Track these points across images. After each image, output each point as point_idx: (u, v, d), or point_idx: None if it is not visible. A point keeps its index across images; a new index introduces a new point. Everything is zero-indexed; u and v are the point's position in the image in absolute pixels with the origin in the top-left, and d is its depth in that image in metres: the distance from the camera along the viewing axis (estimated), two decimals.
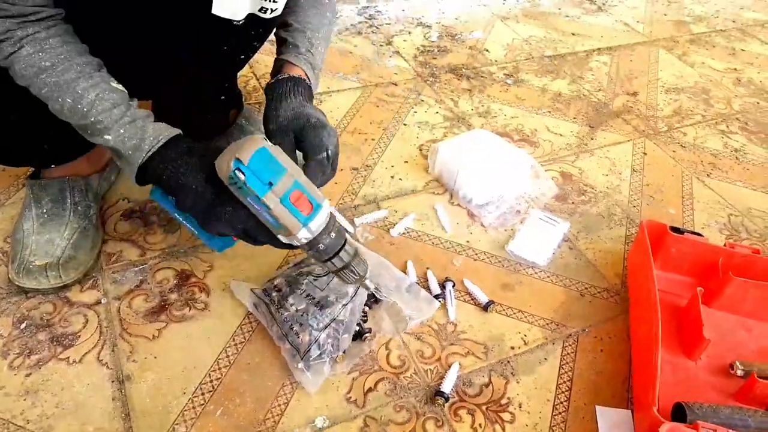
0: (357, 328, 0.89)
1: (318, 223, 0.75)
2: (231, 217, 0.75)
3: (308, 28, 0.96)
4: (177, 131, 0.79)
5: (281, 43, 0.96)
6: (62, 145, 0.98)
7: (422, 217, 1.14)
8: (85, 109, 0.74)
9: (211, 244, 0.87)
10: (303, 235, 0.75)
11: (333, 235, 0.77)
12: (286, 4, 0.94)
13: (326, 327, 0.85)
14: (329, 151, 0.85)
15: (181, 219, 0.85)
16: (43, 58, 0.72)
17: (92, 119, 0.75)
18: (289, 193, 0.72)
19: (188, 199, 0.76)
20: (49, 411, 0.79)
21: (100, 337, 0.88)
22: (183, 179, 0.75)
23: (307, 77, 0.93)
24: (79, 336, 0.88)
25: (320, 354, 0.84)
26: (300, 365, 0.84)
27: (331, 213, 0.78)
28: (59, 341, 0.87)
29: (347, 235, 0.81)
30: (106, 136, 0.76)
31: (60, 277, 0.92)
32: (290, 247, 0.79)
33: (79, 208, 0.98)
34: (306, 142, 0.85)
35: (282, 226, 0.74)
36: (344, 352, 0.87)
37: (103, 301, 0.93)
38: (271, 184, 0.72)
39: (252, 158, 0.71)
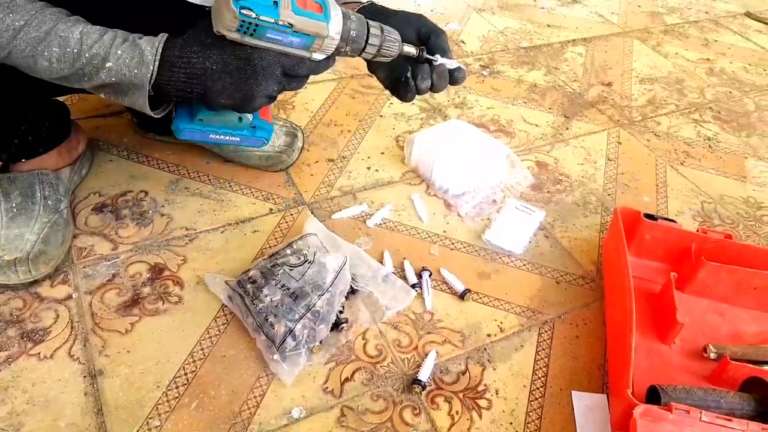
0: (334, 318, 0.88)
1: (334, 13, 0.74)
2: (266, 64, 0.74)
3: None
4: (164, 35, 0.75)
5: None
6: (32, 139, 0.96)
7: (399, 207, 1.14)
8: (75, 50, 0.71)
9: (257, 138, 0.89)
10: (334, 31, 0.74)
11: (353, 17, 0.76)
12: None
13: (302, 318, 0.84)
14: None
15: (218, 135, 0.86)
16: (15, 19, 0.69)
17: (86, 55, 0.71)
18: (294, 3, 0.71)
19: (217, 78, 0.74)
20: (20, 408, 0.78)
21: (71, 332, 0.87)
22: (202, 62, 0.73)
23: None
24: (50, 331, 0.86)
25: (296, 345, 0.84)
26: (275, 356, 0.83)
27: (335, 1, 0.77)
28: (29, 337, 0.86)
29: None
30: (108, 64, 0.72)
31: (30, 272, 0.90)
32: (327, 65, 0.79)
33: (49, 202, 0.96)
34: (434, 43, 0.86)
35: (311, 36, 0.73)
36: (321, 342, 0.86)
37: (74, 296, 0.91)
38: (276, 3, 0.69)
39: None
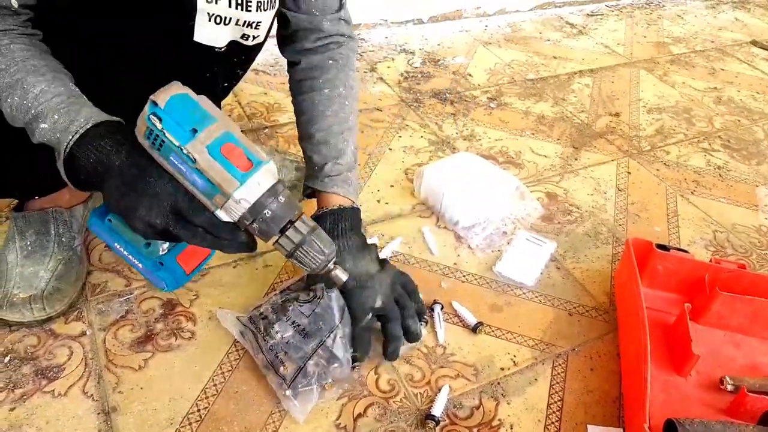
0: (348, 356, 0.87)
1: (260, 180, 0.63)
2: (159, 188, 0.66)
3: (331, 134, 0.95)
4: (116, 119, 0.71)
5: (308, 162, 0.96)
6: (45, 177, 0.97)
7: (409, 240, 1.15)
8: (29, 104, 0.70)
9: (156, 277, 0.78)
10: (241, 195, 0.63)
11: (282, 199, 0.66)
12: (305, 109, 0.96)
13: (313, 354, 0.84)
14: (376, 309, 0.86)
15: (122, 249, 0.77)
16: None
17: (33, 111, 0.70)
18: (219, 144, 0.62)
19: (113, 178, 0.67)
20: None
21: (85, 368, 0.87)
22: (107, 159, 0.67)
23: (346, 196, 0.93)
24: (64, 368, 0.87)
25: (307, 382, 0.83)
26: (288, 392, 0.83)
27: (279, 179, 0.67)
28: (44, 374, 0.86)
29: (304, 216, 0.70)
30: (42, 125, 0.69)
31: (44, 309, 0.91)
32: (236, 241, 0.68)
33: (63, 239, 0.98)
34: (348, 308, 0.86)
35: (214, 186, 0.63)
36: (332, 380, 0.86)
37: (88, 333, 0.92)
38: (195, 131, 0.61)
39: (170, 101, 0.61)
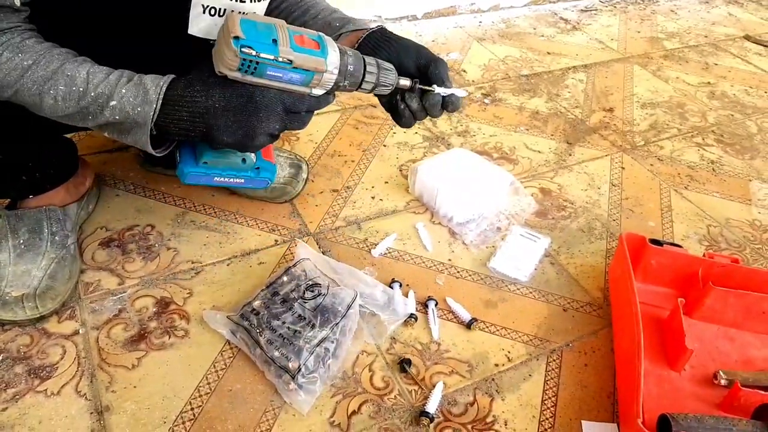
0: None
1: (332, 49, 0.76)
2: (267, 101, 0.75)
3: (329, 12, 0.98)
4: (171, 75, 0.77)
5: (327, 26, 0.96)
6: (39, 176, 0.97)
7: (404, 236, 1.14)
8: (81, 89, 0.73)
9: (261, 179, 0.92)
10: (332, 66, 0.76)
11: (349, 53, 0.78)
12: (296, 8, 0.97)
13: (317, 345, 0.84)
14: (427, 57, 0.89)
15: (223, 178, 0.89)
16: (23, 59, 0.71)
17: (92, 94, 0.73)
18: (293, 41, 0.73)
19: (220, 116, 0.75)
20: None
21: (78, 368, 0.87)
22: (205, 100, 0.75)
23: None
24: (57, 368, 0.86)
25: (311, 373, 0.84)
26: (291, 386, 0.83)
27: (331, 39, 0.78)
28: (36, 373, 0.85)
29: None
30: (112, 103, 0.74)
31: (37, 308, 0.91)
32: (327, 101, 0.80)
33: (56, 238, 0.97)
34: (434, 74, 0.86)
35: (310, 71, 0.74)
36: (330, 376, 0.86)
37: (81, 332, 0.91)
38: (275, 41, 0.71)
39: (244, 30, 0.70)
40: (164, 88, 0.75)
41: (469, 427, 0.85)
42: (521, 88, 1.72)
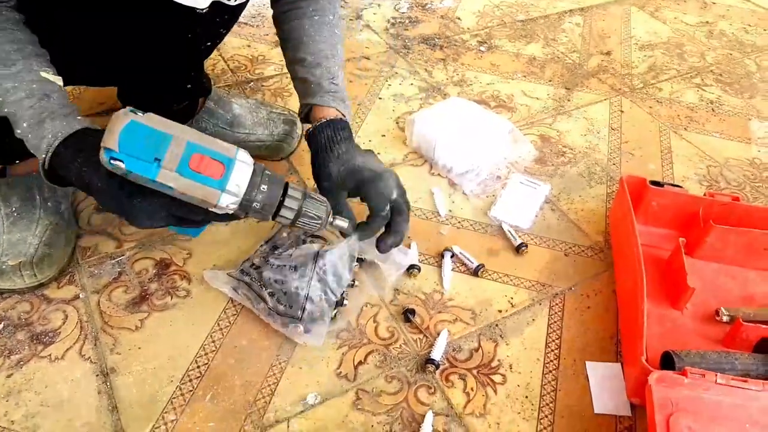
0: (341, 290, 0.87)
1: (238, 180, 0.64)
2: (149, 208, 0.67)
3: (323, 57, 0.93)
4: (78, 126, 0.71)
5: (302, 83, 0.93)
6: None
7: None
8: (1, 98, 0.71)
9: (180, 232, 0.83)
10: (227, 202, 0.64)
11: (264, 187, 0.67)
12: (294, 35, 0.93)
13: (312, 281, 0.84)
14: (392, 201, 0.84)
15: None
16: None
17: (6, 110, 0.71)
18: (186, 161, 0.61)
19: (102, 198, 0.69)
20: (34, 410, 0.78)
21: (81, 332, 0.87)
22: (86, 178, 0.68)
23: (342, 114, 0.91)
24: (60, 332, 0.86)
25: (316, 306, 0.84)
26: (299, 329, 0.83)
27: (253, 163, 0.67)
28: (39, 339, 0.85)
29: (287, 181, 0.71)
30: (16, 130, 0.72)
31: (35, 275, 0.90)
32: (232, 217, 0.70)
33: (49, 204, 0.96)
34: (367, 197, 0.83)
35: (198, 200, 0.63)
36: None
37: (81, 296, 0.91)
38: (158, 160, 0.60)
39: (121, 139, 0.59)
40: (55, 147, 0.70)
41: (475, 371, 0.85)
42: (517, 33, 1.68)
